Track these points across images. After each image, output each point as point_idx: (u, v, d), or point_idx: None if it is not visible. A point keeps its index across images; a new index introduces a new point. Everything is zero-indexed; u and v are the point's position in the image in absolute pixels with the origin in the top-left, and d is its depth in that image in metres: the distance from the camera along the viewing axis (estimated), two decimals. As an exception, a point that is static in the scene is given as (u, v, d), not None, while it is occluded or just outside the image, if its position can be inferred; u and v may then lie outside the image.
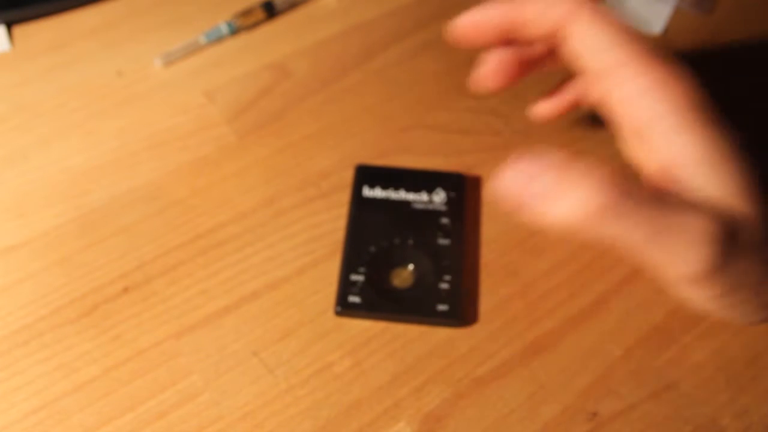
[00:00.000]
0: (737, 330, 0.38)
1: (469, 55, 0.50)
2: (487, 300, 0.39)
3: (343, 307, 0.38)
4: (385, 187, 0.42)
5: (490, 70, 0.36)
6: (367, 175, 0.42)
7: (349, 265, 0.39)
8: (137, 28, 0.51)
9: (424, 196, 0.41)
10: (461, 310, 0.38)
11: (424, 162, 0.44)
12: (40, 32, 0.50)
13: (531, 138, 0.45)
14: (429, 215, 0.41)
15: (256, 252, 0.40)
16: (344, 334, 0.37)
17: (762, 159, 0.44)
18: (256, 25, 0.51)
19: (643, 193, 0.27)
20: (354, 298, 0.38)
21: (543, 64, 0.36)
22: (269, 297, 0.39)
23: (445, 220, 0.40)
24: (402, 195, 0.41)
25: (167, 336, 0.37)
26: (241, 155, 0.44)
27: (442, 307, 0.37)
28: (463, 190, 0.42)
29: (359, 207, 0.41)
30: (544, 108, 0.39)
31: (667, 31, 0.51)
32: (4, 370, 0.36)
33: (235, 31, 0.50)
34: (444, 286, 0.38)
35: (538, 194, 0.27)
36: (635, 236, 0.27)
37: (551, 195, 0.27)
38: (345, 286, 0.38)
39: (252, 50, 0.50)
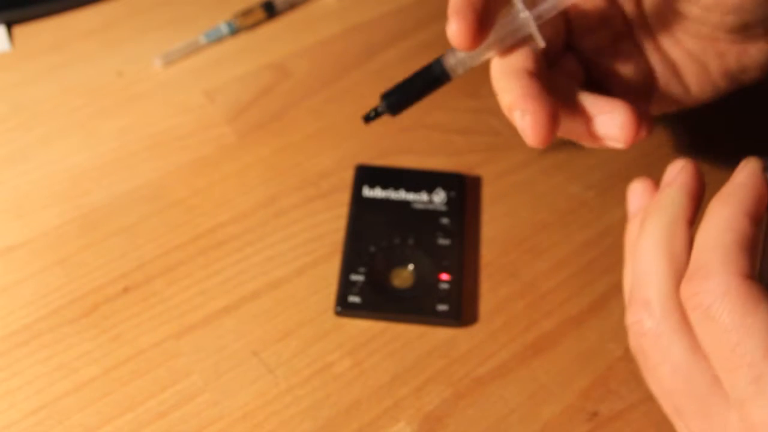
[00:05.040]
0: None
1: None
2: (487, 300, 0.39)
3: (343, 307, 0.38)
4: (385, 187, 0.42)
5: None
6: (367, 175, 0.42)
7: (349, 265, 0.39)
8: (137, 28, 0.51)
9: (424, 196, 0.41)
10: (461, 310, 0.38)
11: (424, 162, 0.44)
12: (40, 32, 0.50)
13: (531, 138, 0.45)
14: (429, 215, 0.41)
15: (256, 252, 0.40)
16: (344, 334, 0.37)
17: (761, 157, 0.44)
18: (256, 25, 0.51)
19: None
20: (354, 298, 0.38)
21: None
22: (269, 297, 0.38)
23: (445, 220, 0.40)
24: (402, 195, 0.41)
25: (167, 336, 0.37)
26: (241, 155, 0.44)
27: (442, 307, 0.37)
28: (463, 190, 0.42)
29: (359, 207, 0.41)
30: None
31: (667, 31, 0.51)
32: (4, 370, 0.36)
33: (235, 31, 0.50)
34: (444, 286, 0.38)
35: None
36: None
37: None
38: (345, 286, 0.38)
39: (252, 50, 0.50)
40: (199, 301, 0.38)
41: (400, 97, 0.33)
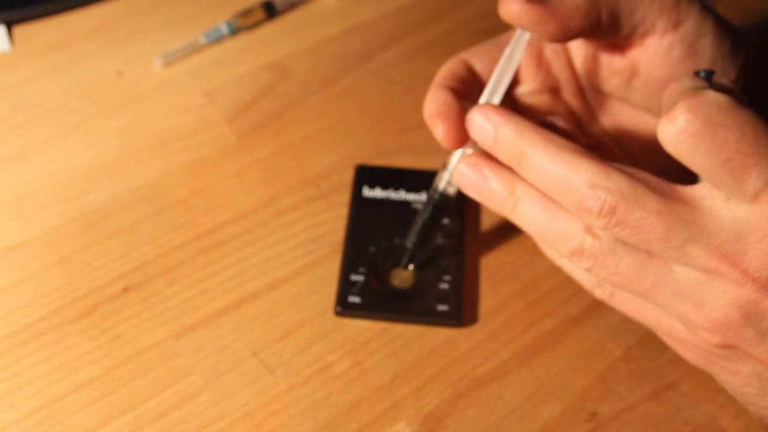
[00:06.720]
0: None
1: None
2: (487, 300, 0.39)
3: (343, 308, 0.38)
4: (385, 187, 0.42)
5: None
6: (367, 175, 0.42)
7: (349, 265, 0.39)
8: (137, 28, 0.51)
9: (424, 196, 0.41)
10: (461, 310, 0.38)
11: (424, 162, 0.44)
12: (40, 32, 0.50)
13: (531, 138, 0.45)
14: (429, 215, 0.41)
15: (256, 252, 0.40)
16: (344, 334, 0.37)
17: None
18: (256, 25, 0.51)
19: None
20: (354, 298, 0.38)
21: None
22: (269, 297, 0.39)
23: (445, 220, 0.40)
24: (402, 195, 0.41)
25: (167, 336, 0.37)
26: (241, 155, 0.44)
27: (442, 308, 0.37)
28: (463, 190, 0.42)
29: (359, 207, 0.41)
30: None
31: (667, 31, 0.51)
32: (4, 370, 0.36)
33: (235, 31, 0.50)
34: (444, 286, 0.38)
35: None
36: None
37: None
38: (345, 286, 0.38)
39: (252, 50, 0.50)
40: (199, 301, 0.38)
41: (423, 237, 0.36)
